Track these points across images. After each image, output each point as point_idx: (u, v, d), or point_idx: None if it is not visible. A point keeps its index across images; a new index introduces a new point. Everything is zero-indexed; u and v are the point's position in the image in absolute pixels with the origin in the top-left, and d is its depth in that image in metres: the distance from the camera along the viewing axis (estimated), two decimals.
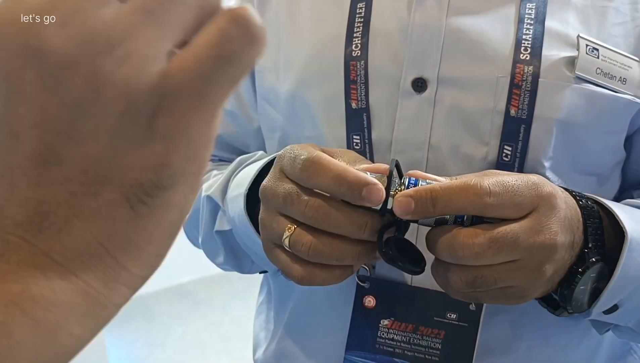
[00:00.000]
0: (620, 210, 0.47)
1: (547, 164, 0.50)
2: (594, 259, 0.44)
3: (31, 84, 0.19)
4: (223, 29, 0.19)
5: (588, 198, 0.47)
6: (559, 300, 0.46)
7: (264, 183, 0.46)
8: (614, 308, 0.48)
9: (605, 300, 0.46)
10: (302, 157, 0.42)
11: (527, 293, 0.43)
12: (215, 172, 0.64)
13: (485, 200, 0.39)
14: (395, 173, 0.43)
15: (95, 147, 0.19)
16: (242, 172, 0.57)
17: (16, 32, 0.19)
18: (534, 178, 0.42)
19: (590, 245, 0.45)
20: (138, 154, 0.19)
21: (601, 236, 0.46)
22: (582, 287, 0.45)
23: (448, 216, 0.42)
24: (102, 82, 0.19)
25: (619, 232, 0.46)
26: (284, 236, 0.44)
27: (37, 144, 0.19)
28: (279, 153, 0.47)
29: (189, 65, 0.19)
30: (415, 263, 0.43)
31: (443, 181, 0.42)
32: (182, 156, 0.20)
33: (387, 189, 0.42)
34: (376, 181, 0.40)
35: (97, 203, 0.19)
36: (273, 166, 0.47)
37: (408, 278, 0.52)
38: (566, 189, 0.46)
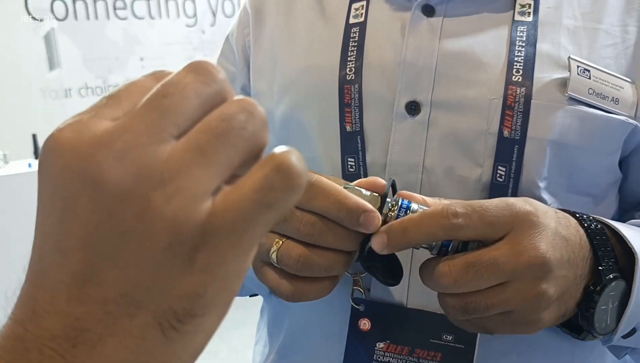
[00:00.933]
0: (628, 230, 0.46)
1: (541, 184, 0.50)
2: (610, 276, 0.44)
3: (85, 208, 0.20)
4: (267, 177, 0.21)
5: (593, 219, 0.46)
6: (582, 323, 0.45)
7: None
8: (632, 331, 0.47)
9: (626, 324, 0.45)
10: None
11: (531, 317, 0.42)
12: None
13: (452, 221, 0.40)
14: (390, 192, 0.43)
15: (136, 273, 0.20)
16: None
17: (77, 158, 0.20)
18: (511, 199, 0.42)
19: (603, 263, 0.44)
20: (175, 283, 0.20)
21: (612, 253, 0.45)
22: (602, 307, 0.44)
23: (434, 243, 0.42)
24: (152, 215, 0.20)
25: (627, 252, 0.45)
26: (272, 251, 0.43)
27: (82, 264, 0.20)
28: None
29: (233, 207, 0.20)
30: (393, 275, 0.44)
31: (430, 201, 0.43)
32: (216, 288, 0.21)
33: (381, 209, 0.42)
34: (373, 208, 0.41)
35: (131, 325, 0.20)
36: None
37: (403, 299, 0.52)
38: (569, 212, 0.46)
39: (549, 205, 0.50)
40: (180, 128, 0.21)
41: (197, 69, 0.22)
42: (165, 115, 0.20)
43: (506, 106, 0.50)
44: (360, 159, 0.53)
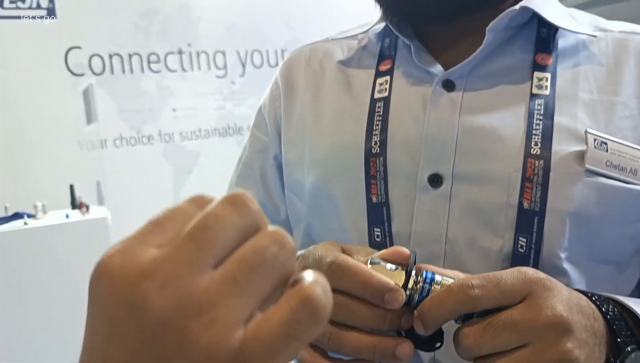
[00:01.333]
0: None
1: (562, 255, 0.51)
2: (629, 348, 0.44)
3: (129, 333, 0.22)
4: (294, 311, 0.23)
5: (603, 297, 0.47)
6: None
7: None
8: None
9: None
10: (328, 260, 0.45)
11: None
12: None
13: (470, 293, 0.41)
14: (414, 264, 0.45)
15: None
16: None
17: (124, 285, 0.22)
18: (523, 268, 0.43)
19: (621, 336, 0.44)
20: None
21: (627, 326, 0.45)
22: None
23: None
24: (189, 343, 0.22)
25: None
26: None
27: None
28: (302, 252, 0.49)
29: (263, 338, 0.22)
30: (428, 340, 0.45)
31: (449, 273, 0.45)
32: None
33: (406, 284, 0.44)
34: (397, 287, 0.43)
35: None
36: (297, 265, 0.49)
37: (427, 358, 0.53)
38: (578, 290, 0.46)
39: (569, 275, 0.52)
40: (217, 258, 0.23)
41: (234, 201, 0.24)
42: (205, 248, 0.23)
43: (525, 179, 0.52)
44: (386, 230, 0.55)
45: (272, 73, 2.62)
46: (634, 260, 0.56)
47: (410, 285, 0.44)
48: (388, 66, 0.62)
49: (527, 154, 0.52)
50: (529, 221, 0.51)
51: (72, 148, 3.22)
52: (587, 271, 0.52)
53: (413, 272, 0.45)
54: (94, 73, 3.35)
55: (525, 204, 0.51)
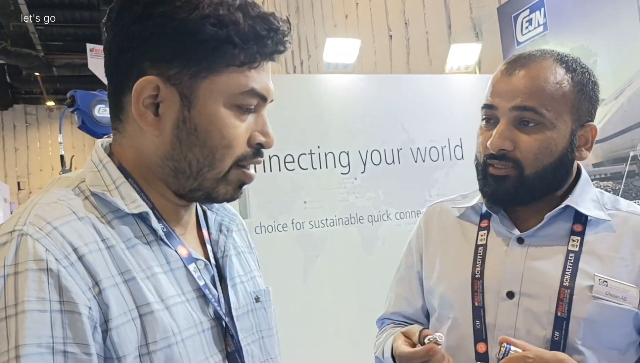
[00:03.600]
0: None
1: (579, 342, 0.93)
2: None
3: None
4: None
5: None
6: None
7: None
8: None
9: None
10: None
11: None
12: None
13: (527, 361, 0.85)
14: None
15: None
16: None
17: None
18: (559, 353, 0.87)
19: None
20: None
21: None
22: None
23: None
24: None
25: None
26: None
27: None
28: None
29: None
30: None
31: (528, 346, 0.89)
32: None
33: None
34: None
35: None
36: None
37: None
38: None
39: (586, 355, 0.94)
40: None
41: None
42: None
43: (559, 299, 0.95)
44: (483, 322, 1.01)
45: (389, 169, 3.27)
46: (631, 347, 0.97)
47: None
48: (486, 224, 1.09)
49: (561, 285, 0.96)
50: (561, 323, 0.94)
51: None
52: (599, 354, 0.94)
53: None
54: None
55: (559, 313, 0.95)
